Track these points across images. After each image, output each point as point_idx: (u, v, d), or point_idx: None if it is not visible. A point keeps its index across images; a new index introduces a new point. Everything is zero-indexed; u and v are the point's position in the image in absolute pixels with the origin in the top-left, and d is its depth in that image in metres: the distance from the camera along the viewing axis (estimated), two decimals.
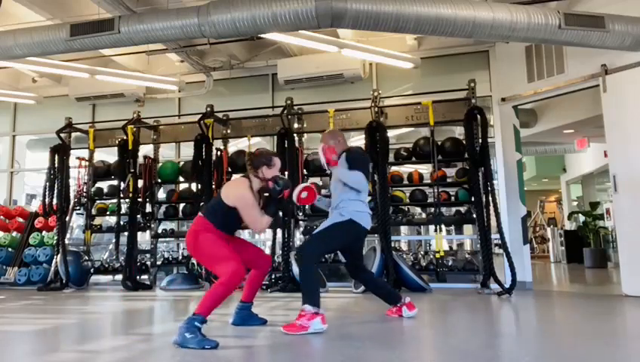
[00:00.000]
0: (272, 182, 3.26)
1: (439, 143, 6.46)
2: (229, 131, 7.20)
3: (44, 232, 7.47)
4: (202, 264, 3.30)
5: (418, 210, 7.62)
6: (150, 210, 7.17)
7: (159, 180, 7.39)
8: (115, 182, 7.34)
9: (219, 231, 3.24)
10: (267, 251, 7.69)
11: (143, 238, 7.62)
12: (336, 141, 3.83)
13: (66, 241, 7.02)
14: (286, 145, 6.48)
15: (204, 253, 3.20)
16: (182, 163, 7.53)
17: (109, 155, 8.01)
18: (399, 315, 3.81)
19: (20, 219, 7.71)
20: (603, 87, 5.44)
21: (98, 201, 7.54)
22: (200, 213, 3.33)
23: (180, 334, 2.82)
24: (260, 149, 3.55)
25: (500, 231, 5.62)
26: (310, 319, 3.22)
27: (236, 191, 3.25)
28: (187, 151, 7.38)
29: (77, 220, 8.10)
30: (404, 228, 9.11)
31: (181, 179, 7.40)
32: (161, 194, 7.71)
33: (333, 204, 3.71)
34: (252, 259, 3.52)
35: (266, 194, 3.34)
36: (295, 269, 5.91)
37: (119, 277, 7.02)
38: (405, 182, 6.70)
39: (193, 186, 7.07)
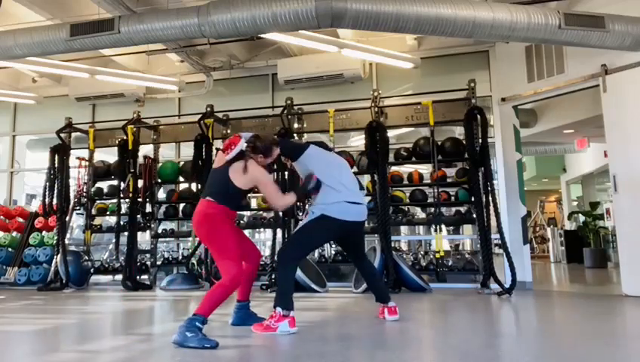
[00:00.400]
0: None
1: (439, 143, 6.46)
2: (229, 131, 7.20)
3: (44, 232, 7.47)
4: (208, 248, 3.29)
5: (418, 210, 7.62)
6: (150, 210, 7.17)
7: (159, 180, 7.39)
8: (115, 182, 7.34)
9: (226, 208, 3.25)
10: (267, 251, 7.73)
11: (143, 238, 7.62)
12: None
13: (66, 241, 7.03)
14: None
15: (215, 242, 3.17)
16: (182, 163, 7.53)
17: (109, 155, 8.02)
18: (382, 317, 3.77)
19: (20, 219, 7.71)
20: (603, 87, 5.44)
21: (98, 201, 7.54)
22: (208, 198, 3.26)
23: (181, 333, 2.83)
24: (262, 136, 3.50)
25: (499, 231, 5.62)
26: (279, 321, 3.24)
27: (252, 172, 3.24)
28: (187, 151, 7.38)
29: (77, 220, 8.10)
30: (404, 228, 9.11)
31: (181, 179, 7.40)
32: (161, 194, 7.71)
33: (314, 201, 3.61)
34: (246, 250, 3.51)
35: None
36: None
37: (119, 277, 7.02)
38: (405, 182, 6.70)
39: (193, 186, 7.07)
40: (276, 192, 3.34)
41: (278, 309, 3.27)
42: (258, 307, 4.69)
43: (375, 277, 3.92)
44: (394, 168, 6.95)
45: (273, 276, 6.15)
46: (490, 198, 5.68)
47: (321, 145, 3.82)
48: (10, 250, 7.34)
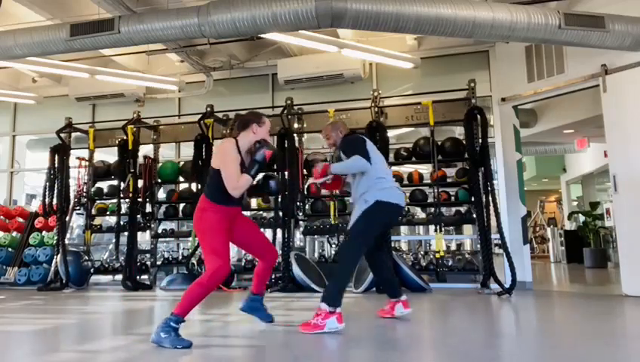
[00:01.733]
0: (256, 143, 3.18)
1: (439, 143, 6.46)
2: (229, 131, 7.18)
3: (44, 232, 7.47)
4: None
5: (418, 210, 7.62)
6: (150, 210, 7.17)
7: (159, 180, 7.39)
8: (115, 182, 7.34)
9: (221, 206, 3.12)
10: None
11: (143, 238, 7.62)
12: (337, 133, 3.82)
13: (66, 241, 7.02)
14: (286, 145, 6.48)
15: (202, 237, 3.09)
16: (182, 163, 7.53)
17: (109, 155, 8.02)
18: (391, 315, 3.73)
19: (20, 219, 7.71)
20: (603, 87, 5.44)
21: (98, 201, 7.54)
22: (203, 194, 3.23)
23: (156, 333, 2.84)
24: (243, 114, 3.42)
25: (499, 231, 5.62)
26: (326, 318, 3.17)
27: (219, 148, 3.13)
28: (187, 151, 7.38)
29: (77, 220, 8.10)
30: (404, 228, 9.12)
31: (181, 179, 7.40)
32: (161, 194, 7.71)
33: (355, 196, 3.64)
34: (258, 248, 3.47)
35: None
36: (295, 269, 5.92)
37: (119, 277, 7.02)
38: (405, 182, 6.70)
39: (193, 186, 7.07)
40: (232, 173, 3.05)
41: (324, 306, 3.20)
42: None
43: (389, 270, 3.86)
44: (394, 168, 6.96)
45: (273, 276, 6.15)
46: (490, 198, 5.68)
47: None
48: (10, 250, 7.34)
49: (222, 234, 3.07)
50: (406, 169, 7.41)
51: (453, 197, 6.58)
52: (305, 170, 6.71)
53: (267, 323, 3.57)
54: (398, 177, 6.65)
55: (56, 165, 7.10)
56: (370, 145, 3.67)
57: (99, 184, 7.67)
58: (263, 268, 3.53)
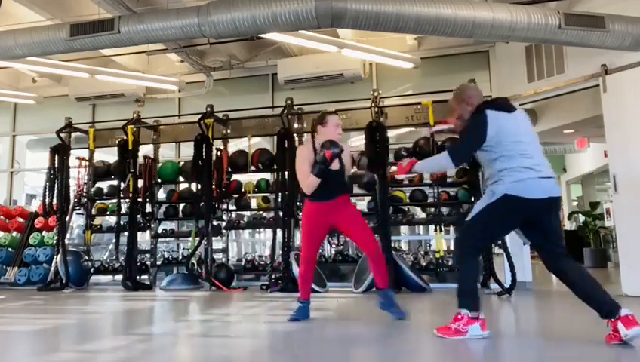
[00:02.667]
0: (322, 143, 3.45)
1: (439, 143, 6.46)
2: (229, 131, 7.20)
3: (44, 232, 7.47)
4: None
5: (418, 210, 7.62)
6: (150, 210, 7.17)
7: (159, 180, 7.39)
8: (115, 182, 7.33)
9: (307, 202, 3.56)
10: (267, 251, 7.72)
11: (143, 238, 7.62)
12: (464, 107, 3.10)
13: (66, 241, 7.02)
14: (286, 145, 6.48)
15: None
16: (182, 163, 7.53)
17: (109, 155, 8.01)
18: (617, 339, 2.63)
19: (20, 219, 7.71)
20: (603, 87, 5.43)
21: (98, 201, 7.54)
22: None
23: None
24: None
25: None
26: (468, 324, 2.88)
27: (297, 151, 3.64)
28: (187, 151, 7.38)
29: (77, 220, 8.09)
30: (404, 228, 9.11)
31: (181, 179, 7.40)
32: (161, 194, 7.71)
33: (487, 179, 3.05)
34: (357, 240, 3.64)
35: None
36: (295, 269, 5.91)
37: (119, 277, 7.01)
38: (405, 182, 6.69)
39: (193, 186, 7.07)
40: (300, 175, 3.51)
41: (464, 311, 2.90)
42: (257, 307, 4.71)
43: (588, 284, 2.84)
44: (394, 168, 6.95)
45: (273, 276, 6.15)
46: None
47: (499, 102, 3.10)
48: (10, 250, 7.34)
49: (306, 226, 3.56)
50: None
51: (453, 197, 6.58)
52: None
53: (398, 319, 3.55)
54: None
55: (56, 165, 7.10)
56: (501, 120, 2.94)
57: (99, 184, 7.66)
58: (368, 261, 3.71)
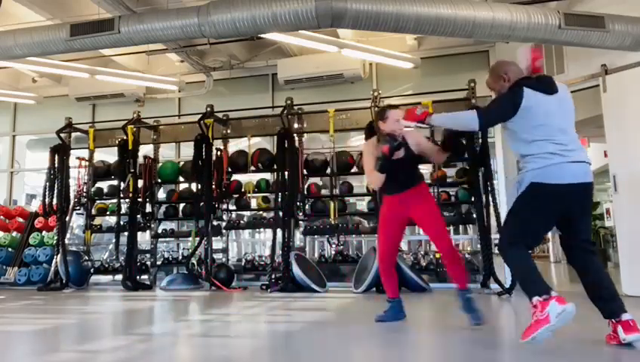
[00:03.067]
0: (380, 140, 3.43)
1: (439, 143, 6.45)
2: (229, 131, 7.20)
3: (44, 232, 7.47)
4: None
5: None
6: (150, 210, 7.17)
7: (159, 180, 7.39)
8: (115, 182, 7.34)
9: (387, 196, 3.52)
10: (267, 251, 7.72)
11: (143, 238, 7.62)
12: (500, 84, 2.93)
13: (66, 241, 7.02)
14: (286, 145, 6.48)
15: None
16: (182, 163, 7.53)
17: (109, 155, 8.02)
18: (616, 340, 2.62)
19: (20, 219, 7.71)
20: (603, 87, 5.44)
21: (98, 201, 7.54)
22: None
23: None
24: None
25: (500, 231, 5.61)
26: (543, 309, 2.53)
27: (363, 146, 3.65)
28: (187, 151, 7.38)
29: (77, 220, 8.10)
30: None
31: (181, 179, 7.40)
32: (161, 194, 7.71)
33: (518, 162, 2.97)
34: (431, 234, 3.53)
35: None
36: (295, 269, 5.91)
37: (119, 277, 7.01)
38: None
39: (193, 186, 7.07)
40: (366, 171, 3.49)
41: (535, 298, 2.58)
42: (257, 307, 4.71)
43: (597, 282, 2.72)
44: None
45: (273, 276, 6.15)
46: (490, 198, 5.68)
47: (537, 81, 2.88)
48: (10, 250, 7.34)
49: (382, 219, 3.52)
50: None
51: (453, 197, 6.58)
52: (305, 170, 6.71)
53: (476, 325, 3.28)
54: None
55: (56, 165, 7.10)
56: (537, 100, 2.76)
57: (99, 184, 7.66)
58: (442, 259, 3.74)
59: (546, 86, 2.86)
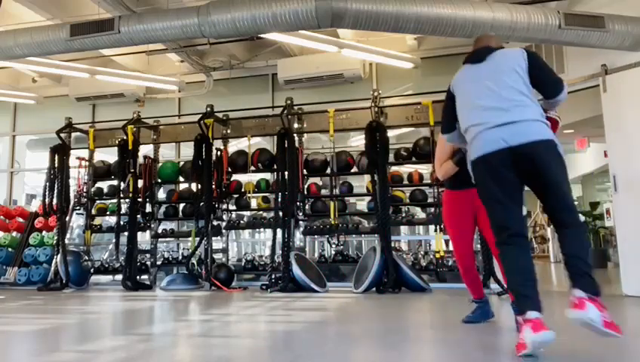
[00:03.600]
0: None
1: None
2: (229, 131, 7.20)
3: (44, 232, 7.47)
4: None
5: (418, 210, 7.61)
6: (150, 210, 7.17)
7: (159, 180, 7.39)
8: (115, 182, 7.34)
9: (451, 191, 3.40)
10: (267, 251, 7.72)
11: (143, 238, 7.62)
12: None
13: (66, 241, 7.02)
14: (286, 145, 6.48)
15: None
16: (182, 163, 7.53)
17: (109, 155, 8.02)
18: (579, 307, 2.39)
19: (20, 219, 7.71)
20: (603, 87, 5.43)
21: (98, 201, 7.54)
22: None
23: None
24: None
25: None
26: (521, 329, 2.37)
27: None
28: (187, 151, 7.39)
29: (77, 220, 8.10)
30: (404, 228, 9.11)
31: (181, 179, 7.40)
32: (161, 194, 7.72)
33: None
34: (487, 237, 3.21)
35: None
36: (295, 269, 5.91)
37: (119, 277, 7.01)
38: (405, 182, 6.69)
39: (193, 186, 7.06)
40: (437, 160, 3.38)
41: (528, 315, 2.32)
42: (257, 307, 4.70)
43: (574, 252, 2.52)
44: (394, 168, 6.95)
45: (273, 276, 6.15)
46: None
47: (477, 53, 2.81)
48: (10, 250, 7.34)
49: (449, 218, 3.39)
50: (406, 169, 7.40)
51: None
52: (305, 170, 6.71)
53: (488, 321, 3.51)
54: (398, 177, 6.65)
55: (56, 165, 7.10)
56: (461, 78, 2.79)
57: (99, 184, 7.67)
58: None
59: (475, 55, 2.88)
